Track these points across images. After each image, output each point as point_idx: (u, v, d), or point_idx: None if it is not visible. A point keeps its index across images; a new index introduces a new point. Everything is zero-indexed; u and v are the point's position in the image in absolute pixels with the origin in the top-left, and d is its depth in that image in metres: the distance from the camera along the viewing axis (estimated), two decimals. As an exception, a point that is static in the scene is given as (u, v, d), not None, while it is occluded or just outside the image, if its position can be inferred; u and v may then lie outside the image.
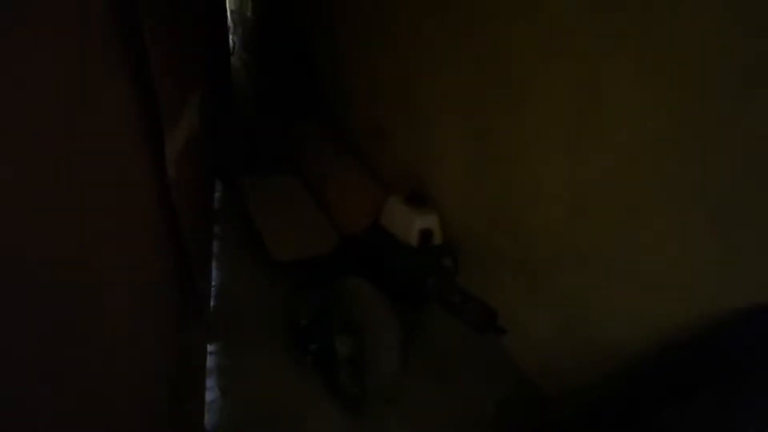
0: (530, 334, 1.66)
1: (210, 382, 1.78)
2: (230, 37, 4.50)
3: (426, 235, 1.76)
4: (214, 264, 2.40)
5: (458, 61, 1.83)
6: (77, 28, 0.68)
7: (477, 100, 1.76)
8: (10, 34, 0.46)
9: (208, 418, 1.64)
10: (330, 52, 3.37)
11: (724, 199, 1.01)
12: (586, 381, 1.43)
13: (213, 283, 2.27)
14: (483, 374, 1.82)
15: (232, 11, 4.49)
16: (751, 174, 0.95)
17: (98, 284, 0.70)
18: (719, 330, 0.99)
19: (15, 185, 0.45)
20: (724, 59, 0.96)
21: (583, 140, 1.33)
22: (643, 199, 1.18)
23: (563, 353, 1.53)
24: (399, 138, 2.44)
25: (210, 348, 1.92)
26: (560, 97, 1.37)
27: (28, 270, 0.47)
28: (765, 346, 0.87)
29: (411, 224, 1.76)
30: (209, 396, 1.72)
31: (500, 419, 1.68)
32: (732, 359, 0.92)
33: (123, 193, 0.92)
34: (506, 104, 1.61)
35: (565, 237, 1.42)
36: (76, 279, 0.61)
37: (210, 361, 1.87)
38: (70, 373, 0.55)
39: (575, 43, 1.29)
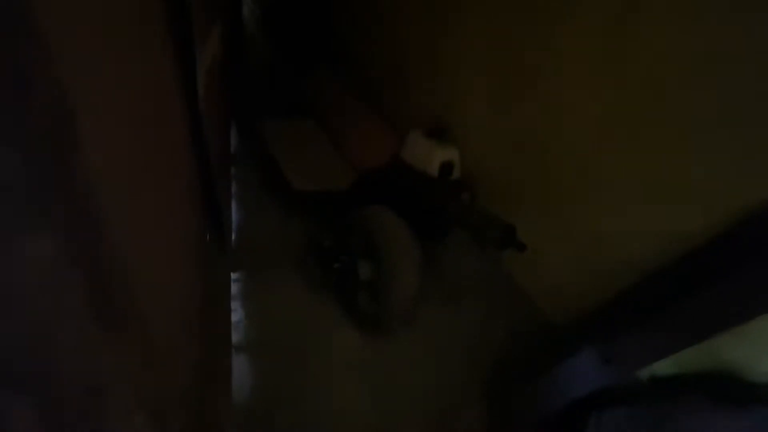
0: (543, 264, 1.70)
1: (235, 305, 1.88)
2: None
3: (446, 167, 1.78)
4: (233, 202, 2.46)
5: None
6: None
7: (504, 33, 1.71)
8: None
9: (235, 336, 1.75)
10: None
11: (751, 117, 1.00)
12: (597, 305, 1.49)
13: (233, 219, 2.34)
14: (495, 304, 1.89)
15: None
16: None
17: (147, 211, 0.74)
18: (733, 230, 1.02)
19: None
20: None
21: (612, 62, 1.30)
22: (669, 117, 1.18)
23: (575, 281, 1.57)
24: (420, 79, 2.40)
25: (234, 276, 2.01)
26: (589, 20, 1.34)
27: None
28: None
29: (432, 156, 1.77)
30: (235, 317, 1.82)
31: (510, 345, 1.77)
32: (740, 255, 0.96)
33: (162, 106, 0.94)
34: (534, 33, 1.56)
35: (590, 160, 1.42)
36: (132, 205, 0.65)
37: (234, 288, 1.97)
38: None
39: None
